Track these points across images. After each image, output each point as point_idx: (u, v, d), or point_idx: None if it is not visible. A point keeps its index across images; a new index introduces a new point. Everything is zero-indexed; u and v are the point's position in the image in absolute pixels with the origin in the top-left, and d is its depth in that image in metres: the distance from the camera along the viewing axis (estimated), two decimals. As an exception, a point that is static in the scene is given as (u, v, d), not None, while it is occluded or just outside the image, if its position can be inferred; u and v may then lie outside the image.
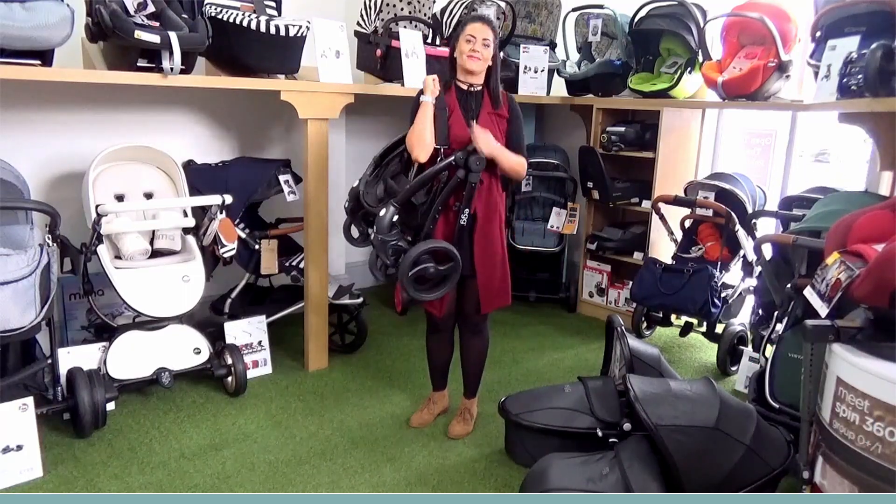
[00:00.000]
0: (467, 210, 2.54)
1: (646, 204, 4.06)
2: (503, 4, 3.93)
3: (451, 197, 2.54)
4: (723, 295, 3.45)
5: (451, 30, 3.87)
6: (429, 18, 3.79)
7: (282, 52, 3.07)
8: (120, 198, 2.99)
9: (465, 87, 2.60)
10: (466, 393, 2.89)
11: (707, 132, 4.22)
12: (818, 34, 2.92)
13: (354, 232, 2.78)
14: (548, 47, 4.17)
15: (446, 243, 2.50)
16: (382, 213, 2.47)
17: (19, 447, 2.37)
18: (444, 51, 3.67)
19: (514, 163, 2.59)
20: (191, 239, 3.08)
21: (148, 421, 2.84)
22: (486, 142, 2.47)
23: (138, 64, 2.69)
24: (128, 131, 3.38)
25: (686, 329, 3.83)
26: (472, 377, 2.87)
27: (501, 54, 3.93)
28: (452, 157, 2.47)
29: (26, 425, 2.39)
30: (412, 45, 3.47)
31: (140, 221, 2.97)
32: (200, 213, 3.07)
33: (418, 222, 2.57)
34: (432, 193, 2.54)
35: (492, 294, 2.66)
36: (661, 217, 3.75)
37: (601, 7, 4.14)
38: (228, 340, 3.19)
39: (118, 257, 2.90)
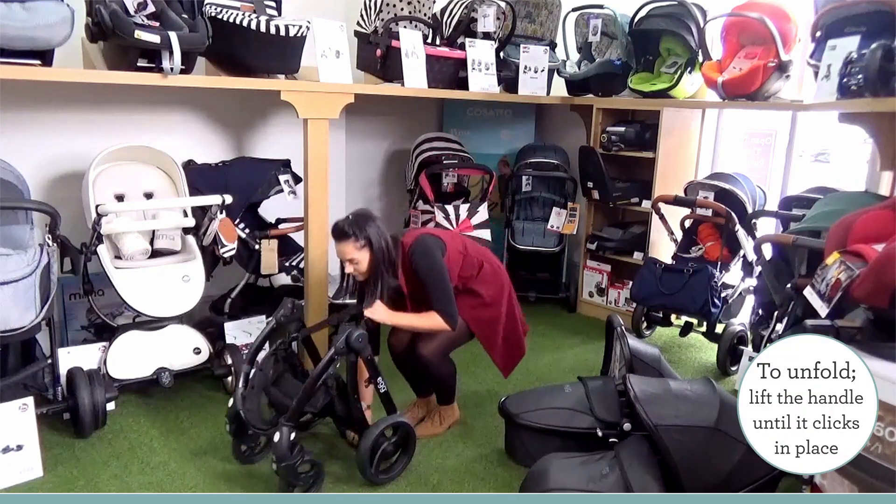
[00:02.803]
0: (379, 378, 2.45)
1: (646, 204, 4.06)
2: (503, 4, 3.93)
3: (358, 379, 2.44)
4: (723, 295, 3.45)
5: (451, 30, 3.87)
6: (429, 18, 3.79)
7: (282, 52, 3.07)
8: (120, 198, 3.00)
9: None
10: (437, 398, 2.86)
11: (707, 132, 4.21)
12: (818, 34, 2.92)
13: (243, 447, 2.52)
14: (548, 47, 4.17)
15: (392, 418, 2.44)
16: (277, 437, 2.20)
17: (19, 447, 2.37)
18: (444, 51, 3.68)
19: (419, 324, 2.54)
20: (191, 239, 3.08)
21: (148, 421, 2.84)
22: (374, 312, 2.46)
23: (138, 64, 2.69)
24: (128, 131, 3.38)
25: (686, 329, 3.83)
26: (436, 392, 2.83)
27: (502, 54, 4.00)
28: (333, 350, 2.29)
29: (26, 425, 2.38)
30: (412, 45, 3.47)
31: (140, 221, 2.97)
32: (200, 213, 3.07)
33: (342, 415, 2.46)
34: (337, 383, 2.40)
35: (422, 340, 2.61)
36: (661, 217, 3.75)
37: (601, 7, 4.13)
38: (228, 340, 3.18)
39: (118, 257, 2.90)
